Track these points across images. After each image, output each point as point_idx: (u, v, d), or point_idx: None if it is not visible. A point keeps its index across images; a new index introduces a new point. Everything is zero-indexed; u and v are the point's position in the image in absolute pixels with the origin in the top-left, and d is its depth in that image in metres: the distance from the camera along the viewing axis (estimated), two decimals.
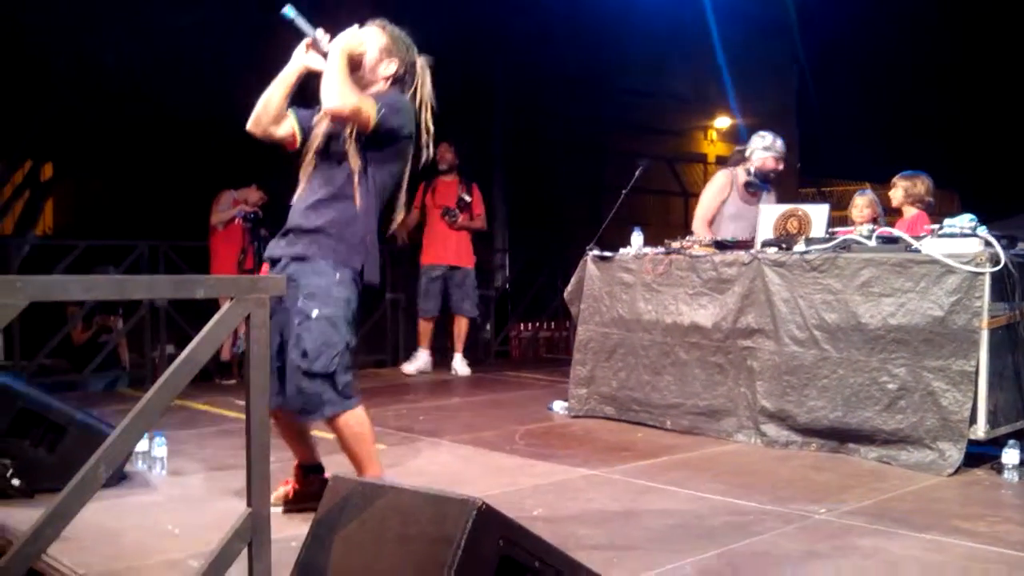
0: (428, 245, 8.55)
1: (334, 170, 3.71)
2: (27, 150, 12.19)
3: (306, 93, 3.78)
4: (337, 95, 3.53)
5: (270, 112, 3.74)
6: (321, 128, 3.76)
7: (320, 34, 3.68)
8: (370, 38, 3.74)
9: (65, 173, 13.49)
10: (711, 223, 6.55)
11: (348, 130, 3.66)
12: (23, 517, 3.48)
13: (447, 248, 8.51)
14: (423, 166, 3.86)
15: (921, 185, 6.41)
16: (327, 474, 3.84)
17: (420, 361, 8.63)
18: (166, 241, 8.44)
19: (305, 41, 3.71)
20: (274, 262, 3.76)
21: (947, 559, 3.39)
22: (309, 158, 3.77)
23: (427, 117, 3.79)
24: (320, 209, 3.69)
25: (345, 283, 3.65)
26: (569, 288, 6.49)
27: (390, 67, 3.76)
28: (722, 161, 17.32)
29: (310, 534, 2.63)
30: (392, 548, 2.43)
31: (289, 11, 3.64)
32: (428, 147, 3.81)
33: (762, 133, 6.58)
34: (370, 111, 3.57)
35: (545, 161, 13.20)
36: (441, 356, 8.88)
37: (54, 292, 2.49)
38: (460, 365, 8.60)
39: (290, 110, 3.78)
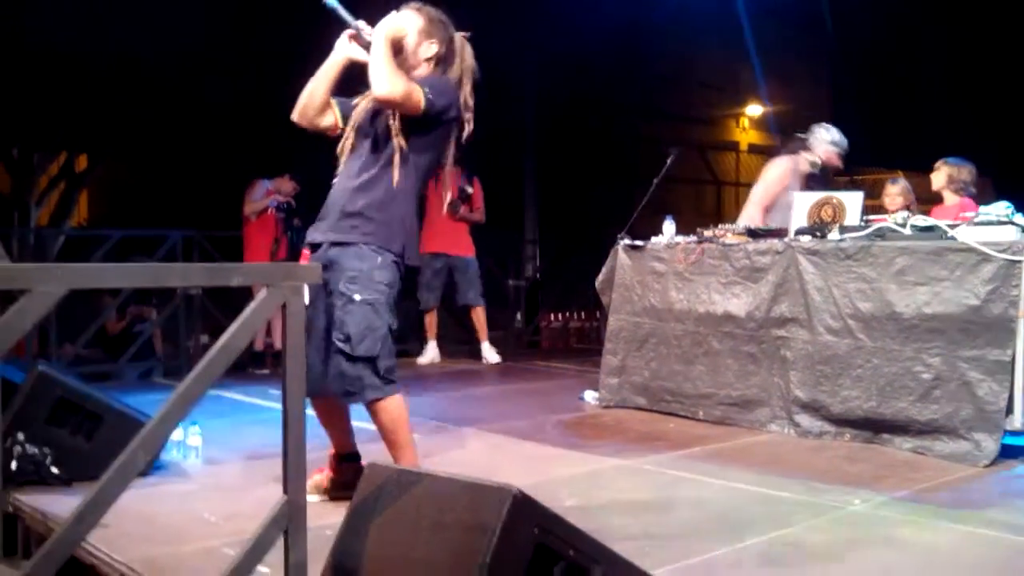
0: (428, 235, 8.49)
1: (375, 152, 3.73)
2: (62, 141, 12.31)
3: (348, 82, 3.81)
4: (387, 81, 3.55)
5: (315, 104, 3.81)
6: (362, 110, 3.79)
7: (362, 24, 3.71)
8: (409, 21, 3.76)
9: (99, 164, 13.61)
10: (767, 210, 6.45)
11: (391, 112, 3.68)
12: (62, 504, 3.53)
13: (447, 238, 8.51)
14: (466, 142, 3.87)
15: (966, 172, 6.33)
16: (365, 461, 3.87)
17: (430, 353, 8.65)
18: (200, 231, 8.50)
19: (347, 32, 3.73)
20: (314, 247, 3.78)
21: (984, 550, 3.37)
22: (350, 140, 3.80)
23: (468, 92, 3.81)
24: (361, 191, 3.72)
25: (387, 267, 3.67)
26: (600, 278, 6.46)
27: (431, 48, 3.77)
28: (756, 149, 17.24)
29: (346, 522, 2.64)
30: (427, 536, 2.44)
31: (331, 1, 3.65)
32: (470, 122, 3.82)
33: (827, 126, 6.49)
34: (419, 96, 3.59)
35: (576, 150, 13.17)
36: (471, 347, 8.89)
37: (91, 279, 2.51)
38: (489, 353, 8.63)
39: (333, 100, 3.82)
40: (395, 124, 3.68)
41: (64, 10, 9.47)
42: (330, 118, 3.85)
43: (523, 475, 4.20)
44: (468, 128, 3.83)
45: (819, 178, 6.42)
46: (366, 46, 3.67)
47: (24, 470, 4.03)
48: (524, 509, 2.35)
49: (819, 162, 6.40)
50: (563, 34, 11.52)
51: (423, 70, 3.77)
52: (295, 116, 3.84)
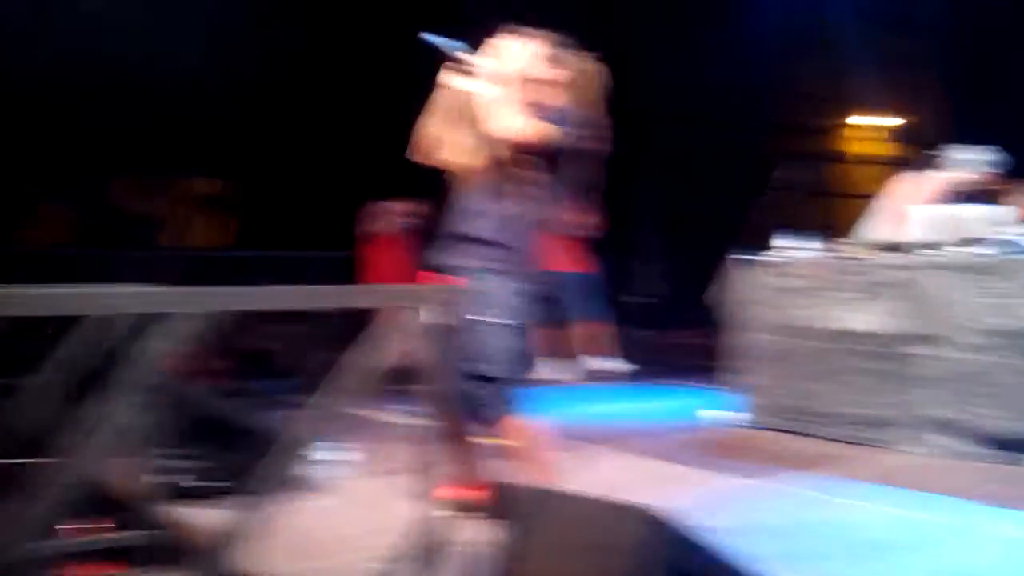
0: None
1: (500, 177, 3.75)
2: (183, 164, 12.71)
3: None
4: (509, 121, 3.58)
5: (430, 140, 3.82)
6: (482, 138, 3.80)
7: (463, 53, 3.71)
8: (533, 51, 3.75)
9: (220, 186, 14.01)
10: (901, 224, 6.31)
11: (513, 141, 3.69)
12: (203, 518, 3.62)
13: (551, 254, 8.36)
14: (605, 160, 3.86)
15: None
16: (500, 480, 3.89)
17: (547, 369, 8.45)
18: (317, 251, 8.65)
19: (452, 65, 3.73)
20: (442, 270, 3.82)
21: None
22: (471, 167, 3.82)
23: (598, 112, 3.78)
24: (487, 216, 3.75)
25: (515, 290, 3.70)
26: (719, 293, 6.36)
27: (558, 74, 3.76)
28: (873, 161, 16.83)
29: (487, 540, 2.66)
30: (567, 556, 2.45)
31: (430, 37, 3.67)
32: (607, 141, 3.80)
33: (976, 148, 6.37)
34: (544, 130, 3.60)
35: (692, 165, 13.07)
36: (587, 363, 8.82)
37: (235, 303, 2.60)
38: (598, 363, 8.50)
39: (447, 133, 3.83)
40: (518, 154, 3.68)
41: (189, 38, 9.79)
42: (447, 152, 3.83)
43: (654, 495, 4.17)
44: (606, 147, 3.81)
45: (960, 197, 6.25)
46: (470, 75, 3.68)
47: (167, 485, 4.16)
48: (660, 530, 2.36)
49: (960, 180, 6.24)
50: (671, 48, 11.46)
51: (550, 96, 3.75)
52: (412, 154, 3.84)
